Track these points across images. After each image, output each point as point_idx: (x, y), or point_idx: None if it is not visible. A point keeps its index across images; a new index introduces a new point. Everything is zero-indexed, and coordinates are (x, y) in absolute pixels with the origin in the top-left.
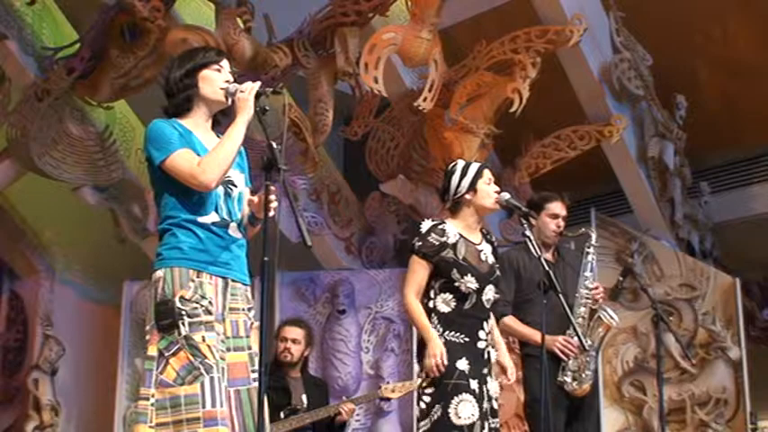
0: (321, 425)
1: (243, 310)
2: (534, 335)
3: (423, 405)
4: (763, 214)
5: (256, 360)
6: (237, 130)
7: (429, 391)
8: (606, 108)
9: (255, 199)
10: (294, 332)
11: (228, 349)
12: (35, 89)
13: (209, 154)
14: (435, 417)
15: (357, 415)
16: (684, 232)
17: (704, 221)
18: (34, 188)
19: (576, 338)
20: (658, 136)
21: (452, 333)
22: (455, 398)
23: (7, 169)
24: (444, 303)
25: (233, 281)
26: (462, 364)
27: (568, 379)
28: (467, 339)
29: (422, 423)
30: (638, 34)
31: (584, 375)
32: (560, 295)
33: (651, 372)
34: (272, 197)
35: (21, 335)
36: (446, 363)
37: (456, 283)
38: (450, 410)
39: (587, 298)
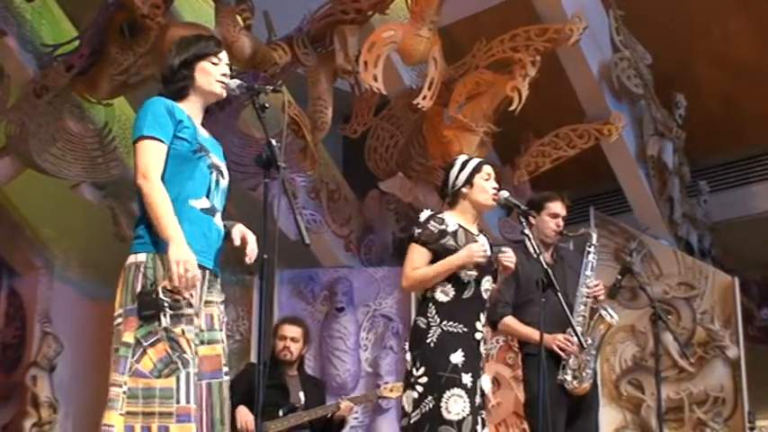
0: (319, 423)
1: (216, 303)
2: (534, 334)
3: (415, 395)
4: (762, 213)
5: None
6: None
7: (423, 380)
8: (605, 107)
9: (238, 241)
10: (293, 330)
11: (203, 342)
12: (34, 86)
13: (154, 195)
14: (426, 409)
15: (355, 413)
16: (683, 231)
17: (703, 220)
18: (33, 185)
19: (575, 337)
20: (657, 135)
21: (450, 323)
22: (447, 392)
23: (6, 166)
24: (443, 293)
25: (211, 272)
26: (456, 358)
27: (569, 377)
28: (465, 330)
29: (413, 413)
30: (638, 33)
31: (584, 374)
32: (559, 293)
33: (649, 370)
34: (251, 252)
35: (19, 332)
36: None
37: (455, 271)
38: (441, 404)
39: (587, 297)
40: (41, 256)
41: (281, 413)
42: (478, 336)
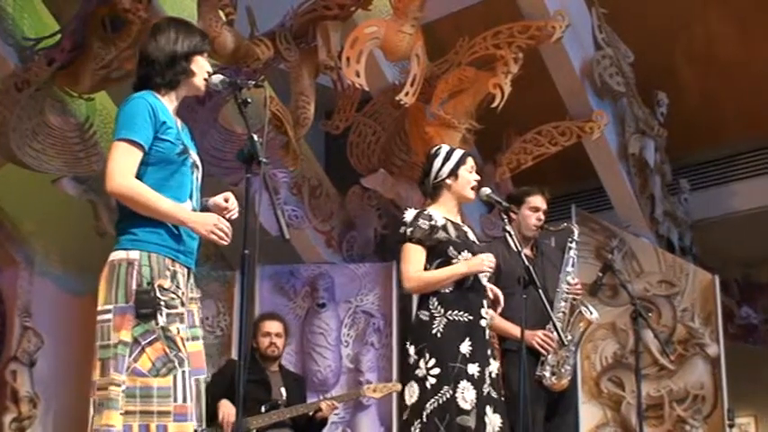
0: (300, 420)
1: (196, 299)
2: (514, 330)
3: (428, 385)
4: (742, 212)
5: None
6: (169, 216)
7: (435, 372)
8: (587, 104)
9: (221, 203)
10: (276, 326)
11: (187, 339)
12: (15, 79)
13: (139, 192)
14: (444, 398)
15: (336, 409)
16: (664, 229)
17: (684, 218)
18: (13, 179)
19: (555, 333)
20: (639, 133)
21: (455, 312)
22: (460, 382)
23: None
24: (444, 285)
25: (190, 270)
26: (464, 347)
27: (547, 373)
28: (470, 318)
29: (428, 403)
30: (620, 31)
31: (563, 370)
32: (540, 290)
33: (630, 368)
34: (233, 206)
35: None
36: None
37: (454, 261)
38: (457, 394)
39: (568, 293)
40: (21, 251)
41: (262, 409)
42: (484, 323)
